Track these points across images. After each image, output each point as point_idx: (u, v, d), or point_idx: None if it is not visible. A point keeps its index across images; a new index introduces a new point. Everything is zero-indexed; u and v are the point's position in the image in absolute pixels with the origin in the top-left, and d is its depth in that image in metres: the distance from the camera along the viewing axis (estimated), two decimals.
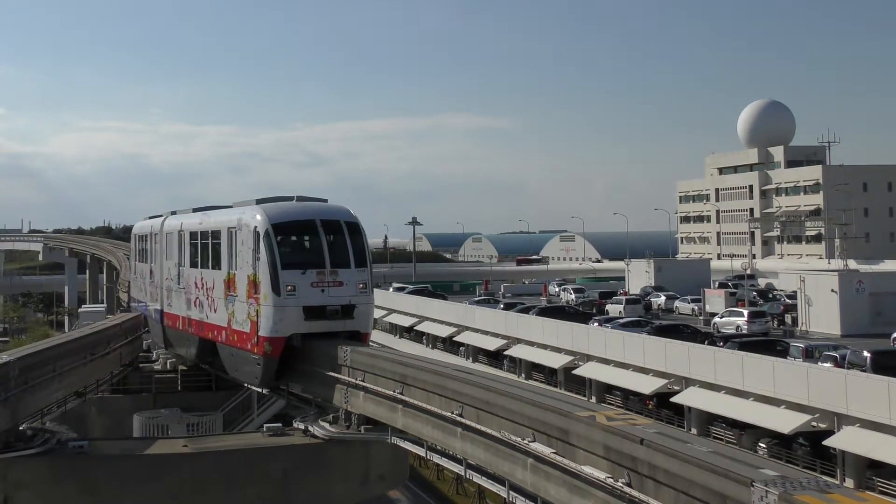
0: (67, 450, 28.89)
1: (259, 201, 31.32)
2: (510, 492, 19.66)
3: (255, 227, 29.95)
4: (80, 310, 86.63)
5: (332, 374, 27.75)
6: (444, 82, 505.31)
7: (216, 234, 34.23)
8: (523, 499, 19.29)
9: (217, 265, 34.01)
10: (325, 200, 32.10)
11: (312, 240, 29.93)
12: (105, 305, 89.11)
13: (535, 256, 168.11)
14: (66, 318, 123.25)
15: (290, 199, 32.00)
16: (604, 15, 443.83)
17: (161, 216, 44.69)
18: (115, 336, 43.22)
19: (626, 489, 14.42)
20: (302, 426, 29.88)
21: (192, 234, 37.33)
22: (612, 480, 14.77)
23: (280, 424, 32.14)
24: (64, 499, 28.30)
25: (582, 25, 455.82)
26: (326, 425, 28.54)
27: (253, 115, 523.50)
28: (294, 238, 30.66)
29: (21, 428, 29.50)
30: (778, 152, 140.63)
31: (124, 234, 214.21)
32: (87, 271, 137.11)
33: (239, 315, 31.24)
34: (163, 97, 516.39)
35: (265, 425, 33.20)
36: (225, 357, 33.88)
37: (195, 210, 39.65)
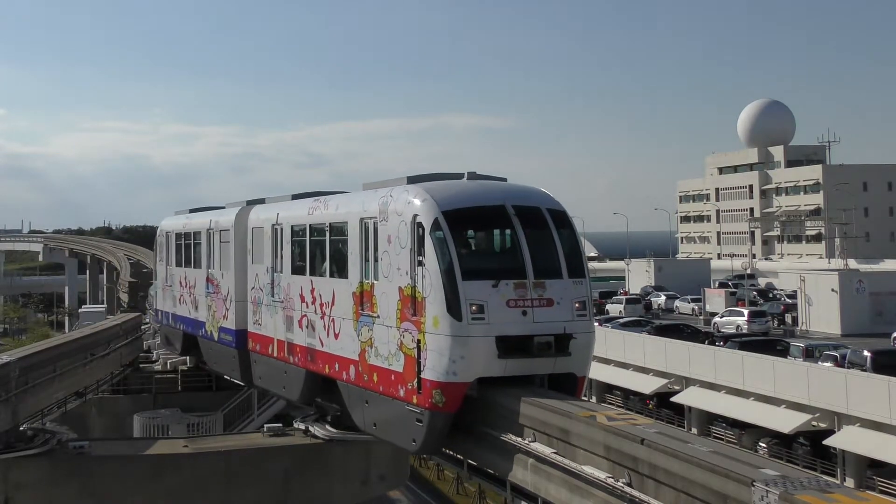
0: (68, 450, 28.88)
1: (412, 179, 21.51)
2: (510, 491, 19.64)
3: (416, 215, 19.86)
4: (80, 310, 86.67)
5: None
6: (444, 82, 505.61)
7: (339, 229, 24.05)
8: (524, 500, 19.29)
9: (340, 271, 23.75)
10: (504, 179, 22.01)
11: (504, 236, 20.52)
12: (105, 306, 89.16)
13: None
14: (67, 318, 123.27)
15: (453, 175, 22.08)
16: (604, 15, 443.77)
17: (220, 208, 35.08)
18: (115, 336, 43.21)
19: (627, 489, 14.42)
20: (302, 426, 29.86)
21: (299, 230, 26.50)
22: (612, 480, 14.77)
23: (280, 424, 32.14)
24: (64, 499, 28.30)
25: (583, 26, 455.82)
26: (327, 425, 28.51)
27: (254, 116, 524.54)
28: (477, 233, 21.03)
29: (21, 428, 29.51)
30: (778, 152, 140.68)
31: (124, 234, 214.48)
32: (88, 272, 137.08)
33: (382, 345, 21.18)
34: (164, 98, 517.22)
35: (265, 425, 33.20)
36: (353, 402, 23.53)
37: (295, 197, 28.34)
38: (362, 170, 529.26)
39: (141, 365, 49.74)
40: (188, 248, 36.57)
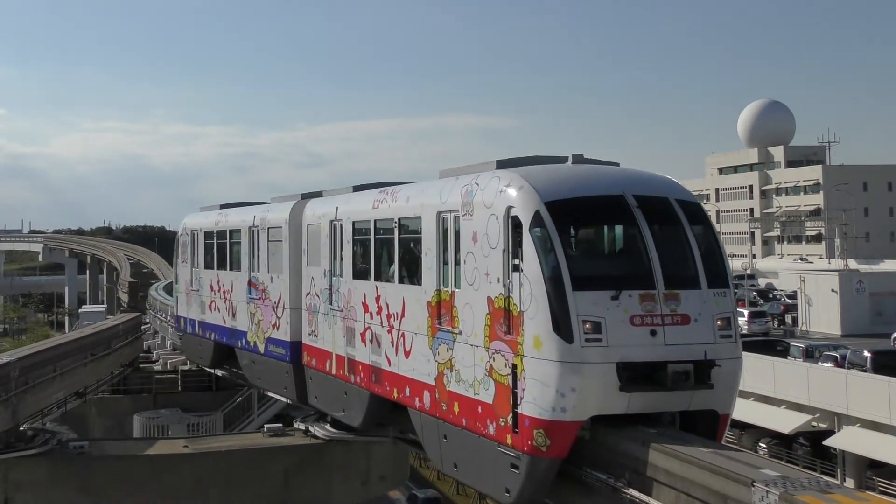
0: (68, 450, 28.88)
1: (503, 164, 17.57)
2: None
3: (510, 207, 15.92)
4: (80, 310, 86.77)
5: (636, 497, 14.36)
6: (445, 82, 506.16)
7: (410, 225, 19.95)
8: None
9: (412, 276, 19.62)
10: (616, 164, 18.00)
11: (626, 234, 16.20)
12: (105, 306, 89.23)
13: None
14: (67, 318, 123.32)
15: (552, 159, 17.81)
16: (604, 15, 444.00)
17: (256, 204, 31.08)
18: (115, 336, 43.24)
19: (626, 490, 14.40)
20: (302, 426, 29.85)
21: (361, 227, 22.37)
22: (612, 480, 14.76)
23: (280, 425, 32.14)
24: (64, 499, 28.29)
25: (583, 26, 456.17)
26: (327, 425, 28.51)
27: (254, 116, 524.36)
28: (589, 230, 17.00)
29: (21, 428, 29.52)
30: (778, 152, 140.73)
31: (124, 234, 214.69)
32: (88, 272, 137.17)
33: (465, 369, 17.21)
34: (164, 98, 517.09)
35: (265, 425, 33.20)
36: (427, 435, 19.21)
37: (357, 189, 24.05)
38: (363, 170, 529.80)
39: (141, 365, 49.79)
40: (222, 249, 31.81)
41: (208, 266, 33.53)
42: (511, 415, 15.46)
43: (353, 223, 22.45)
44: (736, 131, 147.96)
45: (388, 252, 20.84)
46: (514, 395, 15.39)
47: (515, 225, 15.56)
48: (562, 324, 14.53)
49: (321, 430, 28.61)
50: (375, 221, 21.31)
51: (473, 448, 16.89)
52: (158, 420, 44.11)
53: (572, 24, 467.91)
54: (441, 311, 17.93)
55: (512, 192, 15.86)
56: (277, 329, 27.16)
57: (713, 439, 15.31)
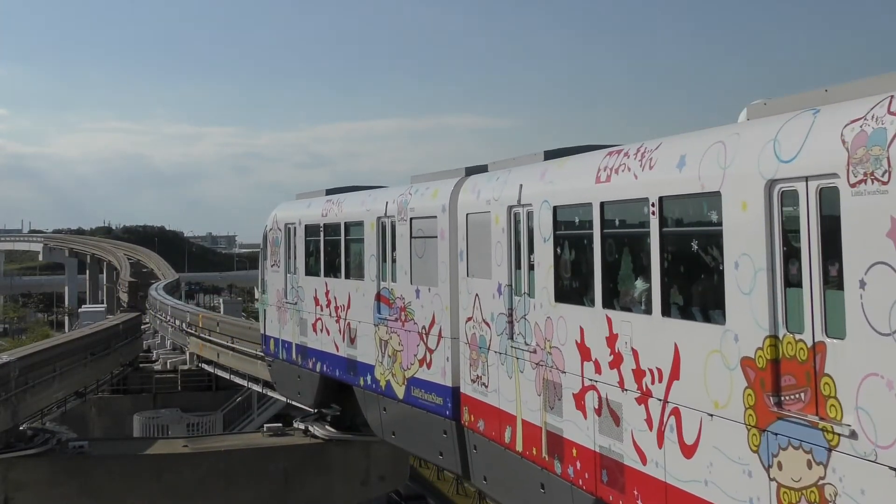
0: (67, 450, 28.90)
1: None
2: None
3: None
4: (80, 310, 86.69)
5: None
6: (446, 83, 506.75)
7: (708, 215, 10.48)
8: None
9: (701, 305, 10.78)
10: None
11: None
12: (105, 305, 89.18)
13: None
14: (67, 318, 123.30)
15: None
16: (605, 16, 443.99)
17: (378, 189, 22.48)
18: (114, 336, 43.25)
19: None
20: (302, 426, 29.86)
21: (572, 217, 13.68)
22: None
23: (280, 424, 32.19)
24: (64, 499, 28.30)
25: (584, 27, 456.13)
26: (327, 425, 28.49)
27: (255, 116, 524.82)
28: None
29: (21, 428, 29.53)
30: None
31: (124, 234, 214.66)
32: (87, 271, 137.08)
33: None
34: (166, 98, 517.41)
35: (265, 425, 33.25)
36: None
37: (551, 155, 15.47)
38: (363, 170, 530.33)
39: (141, 365, 49.85)
40: (333, 248, 23.46)
41: (312, 272, 24.68)
42: None
43: (555, 210, 13.73)
44: None
45: (639, 259, 11.85)
46: None
47: None
48: None
49: (321, 430, 28.60)
50: (604, 206, 12.41)
51: None
52: (158, 420, 44.12)
53: (573, 24, 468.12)
54: (779, 378, 9.39)
55: None
56: (428, 367, 18.58)
57: None
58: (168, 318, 54.28)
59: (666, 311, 11.06)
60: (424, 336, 18.58)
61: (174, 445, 31.14)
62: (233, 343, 41.01)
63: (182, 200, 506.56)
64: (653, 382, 11.26)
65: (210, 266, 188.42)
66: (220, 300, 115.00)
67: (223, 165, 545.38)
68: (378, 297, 20.61)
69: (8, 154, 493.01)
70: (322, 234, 23.91)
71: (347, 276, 22.41)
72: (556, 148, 15.29)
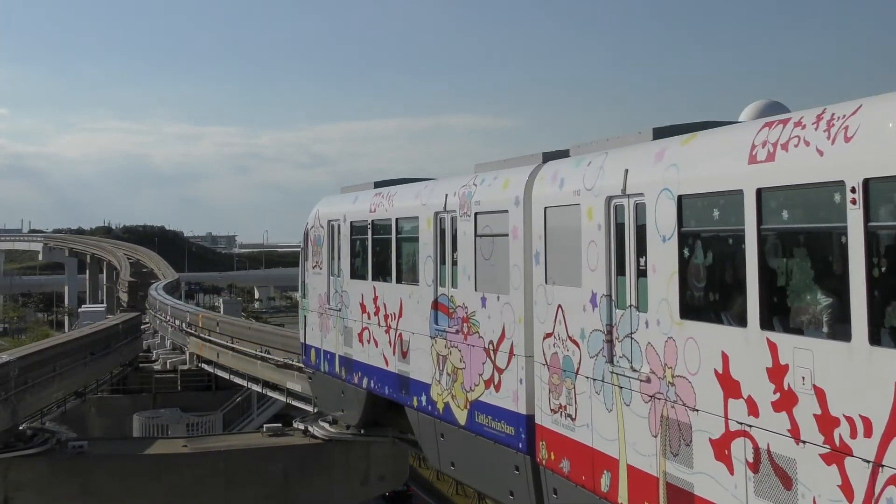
0: (67, 450, 28.88)
1: None
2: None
3: None
4: (80, 310, 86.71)
5: None
6: (446, 82, 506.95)
7: None
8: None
9: None
10: None
11: None
12: (105, 305, 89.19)
13: None
14: (66, 317, 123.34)
15: None
16: (605, 16, 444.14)
17: (431, 181, 19.58)
18: (114, 336, 43.24)
19: None
20: (302, 426, 29.84)
21: (705, 208, 10.62)
22: None
23: (280, 425, 32.18)
24: (64, 499, 28.29)
25: (584, 27, 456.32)
26: (326, 425, 28.46)
27: (256, 116, 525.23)
28: None
29: (21, 428, 29.52)
30: None
31: (124, 234, 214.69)
32: (87, 271, 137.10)
33: None
34: (166, 98, 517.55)
35: (265, 425, 33.24)
36: None
37: (661, 133, 12.37)
38: (364, 170, 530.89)
39: (140, 364, 49.85)
40: (383, 248, 20.75)
41: (358, 275, 21.85)
42: None
43: (681, 200, 10.76)
44: None
45: (826, 264, 9.08)
46: None
47: None
48: None
49: (320, 430, 28.58)
50: (763, 194, 9.44)
51: None
52: (158, 420, 44.13)
53: (575, 25, 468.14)
54: None
55: None
56: (496, 389, 15.62)
57: None
58: (168, 317, 54.29)
59: (875, 339, 7.98)
60: (492, 352, 15.63)
61: (174, 445, 31.13)
62: (232, 343, 41.03)
63: (182, 200, 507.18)
64: (854, 436, 8.17)
65: (210, 266, 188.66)
66: (220, 300, 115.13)
67: (223, 165, 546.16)
68: (435, 305, 17.86)
69: (8, 154, 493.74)
70: (370, 232, 21.13)
71: (399, 281, 19.72)
72: (667, 125, 12.35)
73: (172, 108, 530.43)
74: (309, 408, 32.59)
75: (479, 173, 16.78)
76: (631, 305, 11.62)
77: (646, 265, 11.26)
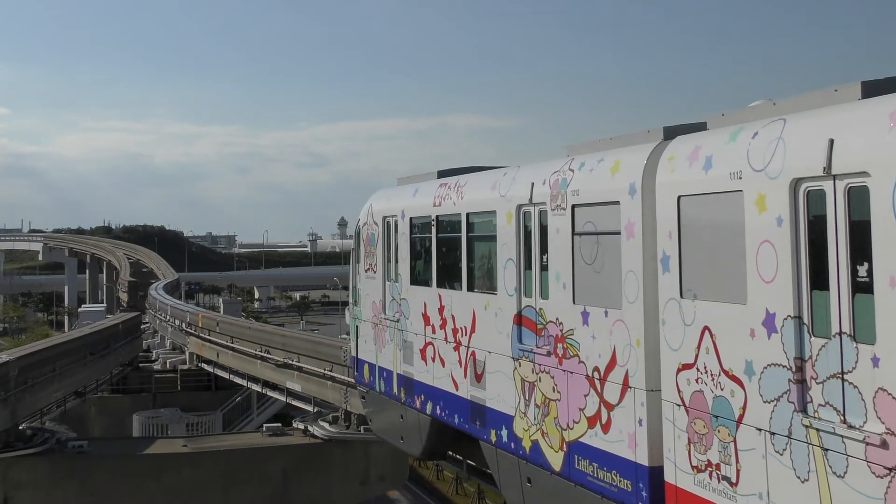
0: (67, 449, 28.91)
1: None
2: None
3: None
4: (79, 309, 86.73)
5: None
6: (448, 82, 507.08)
7: None
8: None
9: None
10: None
11: None
12: (105, 305, 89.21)
13: None
14: (66, 317, 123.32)
15: None
16: (606, 16, 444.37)
17: (506, 168, 15.93)
18: (114, 336, 43.23)
19: None
20: (301, 426, 29.88)
21: None
22: None
23: (280, 424, 32.21)
24: (64, 499, 28.31)
25: (585, 27, 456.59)
26: (326, 425, 28.50)
27: (256, 116, 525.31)
28: None
29: (21, 427, 29.52)
30: None
31: (124, 233, 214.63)
32: (87, 271, 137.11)
33: None
34: (167, 97, 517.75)
35: (265, 425, 33.26)
36: None
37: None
38: (365, 170, 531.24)
39: (140, 364, 49.81)
40: (450, 249, 17.38)
41: (420, 280, 18.52)
42: None
43: None
44: None
45: None
46: None
47: None
48: None
49: (320, 430, 28.61)
50: None
51: None
52: (158, 419, 44.10)
53: (575, 25, 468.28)
54: None
55: None
56: (605, 430, 12.15)
57: None
58: (168, 317, 54.26)
59: None
60: (597, 382, 12.24)
61: (174, 445, 31.15)
62: (232, 343, 41.00)
63: (182, 200, 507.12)
64: None
65: (210, 266, 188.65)
66: (220, 300, 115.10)
67: (224, 165, 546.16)
68: (518, 320, 14.43)
69: (9, 153, 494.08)
70: (434, 229, 17.81)
71: (471, 288, 16.32)
72: (875, 78, 8.75)
73: (173, 107, 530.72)
74: (309, 407, 32.61)
75: (574, 156, 13.30)
76: (840, 333, 8.18)
77: (870, 276, 7.85)
